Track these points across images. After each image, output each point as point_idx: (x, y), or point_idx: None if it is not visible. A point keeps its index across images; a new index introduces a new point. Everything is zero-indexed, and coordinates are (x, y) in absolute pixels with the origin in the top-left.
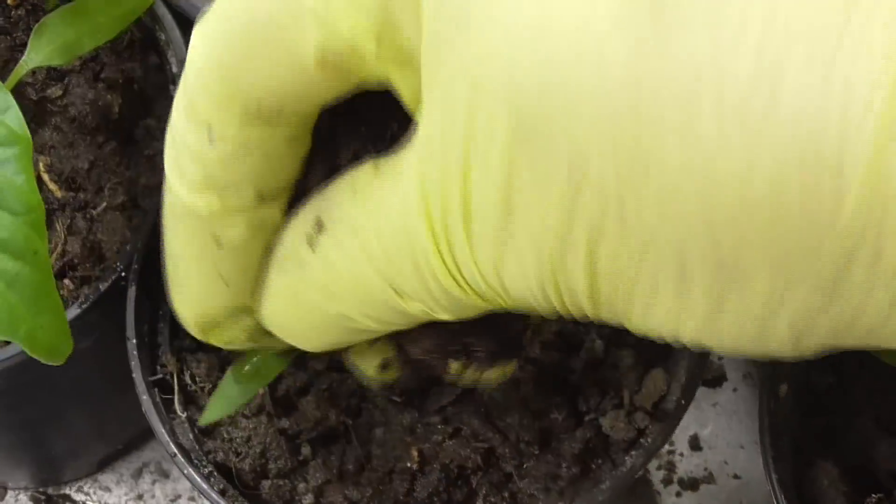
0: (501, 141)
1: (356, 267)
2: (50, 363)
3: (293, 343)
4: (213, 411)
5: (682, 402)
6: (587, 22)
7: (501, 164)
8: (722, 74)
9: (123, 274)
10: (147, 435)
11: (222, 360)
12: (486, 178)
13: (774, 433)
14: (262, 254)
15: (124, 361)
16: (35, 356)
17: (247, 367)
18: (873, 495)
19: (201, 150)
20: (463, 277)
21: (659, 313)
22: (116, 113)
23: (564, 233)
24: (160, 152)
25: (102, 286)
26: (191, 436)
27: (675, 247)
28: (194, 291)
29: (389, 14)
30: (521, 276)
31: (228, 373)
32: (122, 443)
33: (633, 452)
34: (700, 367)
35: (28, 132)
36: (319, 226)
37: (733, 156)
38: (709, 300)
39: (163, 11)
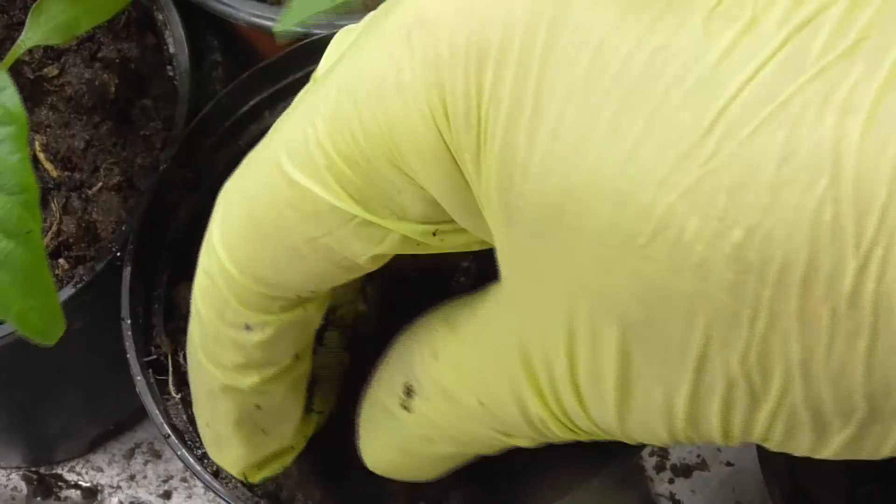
0: (613, 337)
1: (457, 423)
2: (41, 344)
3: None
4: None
5: None
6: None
7: (616, 355)
8: None
9: (119, 254)
10: (140, 415)
11: None
12: (598, 362)
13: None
14: (303, 397)
15: (118, 342)
16: (27, 336)
17: None
18: (867, 485)
19: (240, 339)
20: (576, 425)
21: (796, 446)
22: (113, 93)
23: (692, 408)
24: (156, 132)
25: (97, 266)
26: (185, 417)
27: (811, 405)
28: (237, 450)
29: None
30: (645, 430)
31: None
32: (114, 423)
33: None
34: None
35: (24, 111)
36: (409, 391)
37: None
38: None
39: None
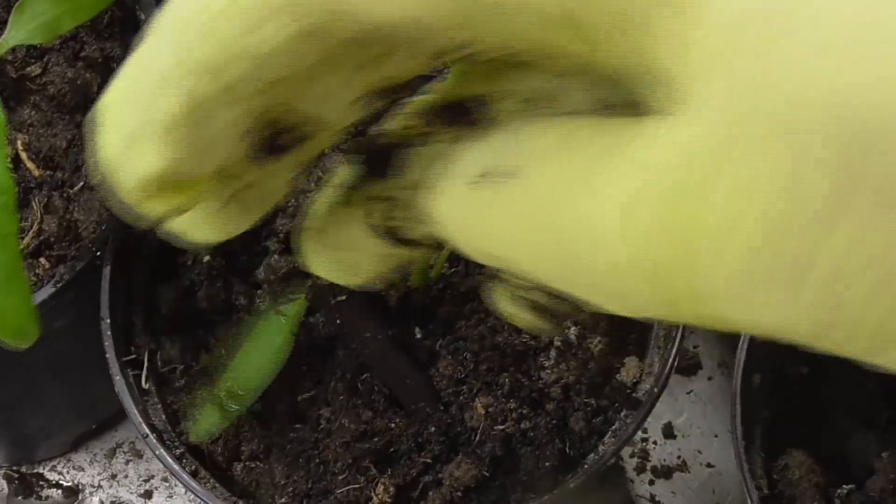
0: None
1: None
2: (17, 346)
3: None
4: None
5: (655, 389)
6: None
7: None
8: None
9: (98, 253)
10: (121, 415)
11: (197, 340)
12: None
13: (747, 422)
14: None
15: (99, 341)
16: (2, 338)
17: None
18: (844, 486)
19: None
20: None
21: None
22: (95, 92)
23: None
24: None
25: (78, 265)
26: (163, 416)
27: None
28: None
29: None
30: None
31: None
32: (95, 422)
33: (605, 439)
34: (674, 356)
35: (2, 114)
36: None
37: None
38: None
39: None
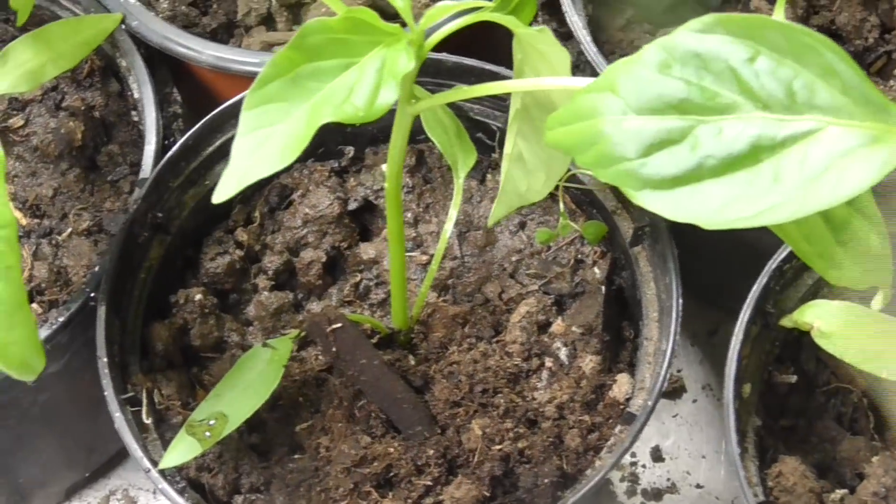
0: None
1: None
2: (23, 378)
3: None
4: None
5: (649, 402)
6: None
7: None
8: None
9: (93, 295)
10: (114, 462)
11: (192, 378)
12: None
13: (740, 431)
14: None
15: (92, 386)
16: (7, 371)
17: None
18: (837, 491)
19: None
20: None
21: None
22: (79, 140)
23: None
24: (123, 177)
25: (72, 307)
26: (163, 452)
27: None
28: None
29: None
30: None
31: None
32: (88, 470)
33: (601, 454)
34: (666, 370)
35: (2, 153)
36: None
37: None
38: None
39: (123, 37)
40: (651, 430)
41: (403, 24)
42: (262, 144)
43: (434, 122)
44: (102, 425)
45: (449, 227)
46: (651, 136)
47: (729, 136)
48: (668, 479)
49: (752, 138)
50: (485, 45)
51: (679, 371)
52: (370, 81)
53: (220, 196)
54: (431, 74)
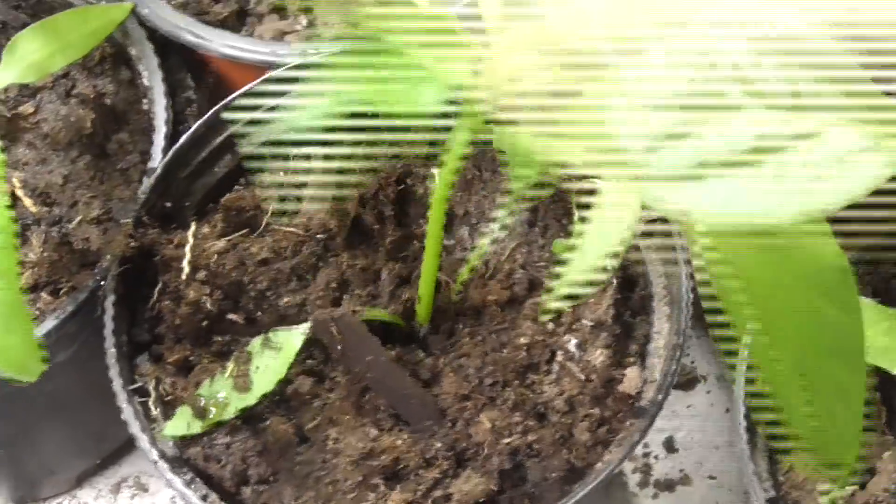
0: None
1: None
2: (21, 380)
3: None
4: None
5: (659, 397)
6: None
7: None
8: None
9: (102, 284)
10: (124, 450)
11: (202, 369)
12: None
13: (750, 426)
14: None
15: (101, 375)
16: (6, 373)
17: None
18: (848, 487)
19: None
20: None
21: None
22: (89, 128)
23: None
24: (133, 165)
25: (80, 297)
26: (171, 443)
27: None
28: None
29: None
30: None
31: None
32: (99, 457)
33: (611, 448)
34: (676, 363)
35: (2, 152)
36: None
37: None
38: None
39: (134, 26)
40: (664, 421)
41: None
42: None
43: None
44: (112, 413)
45: (489, 239)
46: (655, 132)
47: (732, 133)
48: (681, 471)
49: (756, 137)
50: None
51: (693, 362)
52: None
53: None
54: None
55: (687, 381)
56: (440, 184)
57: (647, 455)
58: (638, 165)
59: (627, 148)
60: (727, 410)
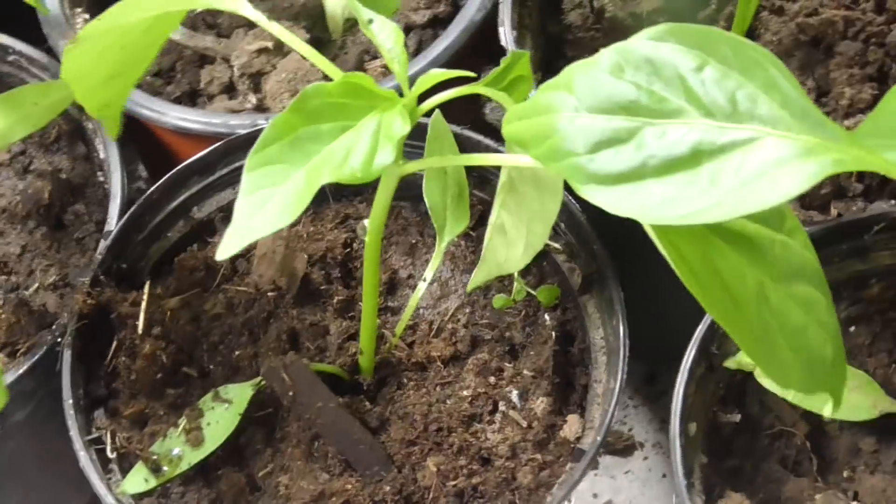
0: None
1: None
2: None
3: None
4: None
5: (598, 437)
6: None
7: None
8: None
9: (60, 340)
10: None
11: (156, 422)
12: None
13: (687, 469)
14: None
15: (55, 438)
16: None
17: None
18: None
19: None
20: None
21: None
22: (47, 199)
23: None
24: (89, 234)
25: (37, 354)
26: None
27: None
28: None
29: None
30: None
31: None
32: None
33: (553, 491)
34: (613, 407)
35: None
36: None
37: None
38: None
39: None
40: (604, 486)
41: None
42: (262, 204)
43: (435, 183)
44: (65, 481)
45: (422, 287)
46: (600, 133)
47: (672, 138)
48: None
49: (694, 142)
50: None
51: (630, 430)
52: (366, 144)
53: (222, 254)
54: (419, 138)
55: (625, 448)
56: (370, 226)
57: None
58: (581, 163)
59: (572, 147)
60: (664, 476)
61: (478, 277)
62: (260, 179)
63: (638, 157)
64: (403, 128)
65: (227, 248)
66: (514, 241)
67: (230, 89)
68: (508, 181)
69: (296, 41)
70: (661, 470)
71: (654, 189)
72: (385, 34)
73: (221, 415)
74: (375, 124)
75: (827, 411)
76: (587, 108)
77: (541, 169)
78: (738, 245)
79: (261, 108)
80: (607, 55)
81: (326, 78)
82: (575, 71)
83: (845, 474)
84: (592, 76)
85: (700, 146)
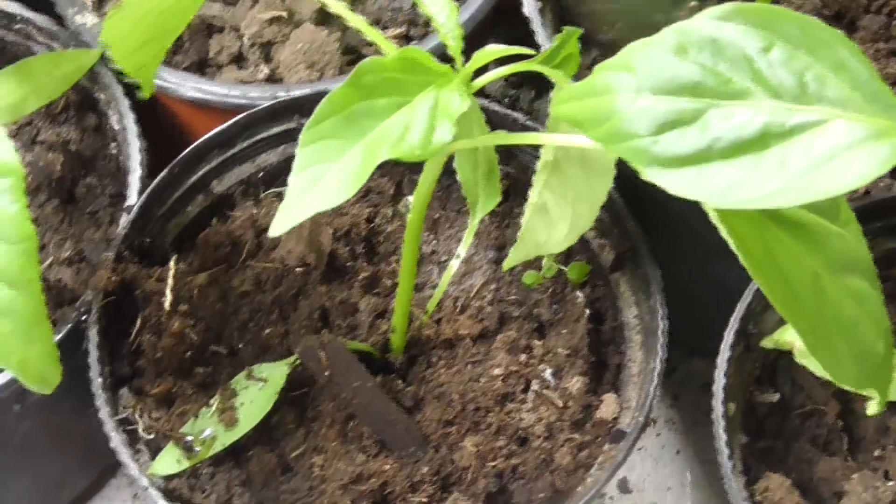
0: None
1: None
2: (40, 391)
3: None
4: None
5: (641, 418)
6: None
7: None
8: None
9: (85, 317)
10: (91, 491)
11: (184, 402)
12: None
13: (729, 447)
14: None
15: (69, 417)
16: (27, 385)
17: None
18: None
19: None
20: None
21: None
22: (59, 171)
23: None
24: (102, 208)
25: (62, 330)
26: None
27: None
28: None
29: None
30: None
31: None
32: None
33: (592, 471)
34: (655, 386)
35: (20, 163)
36: None
37: None
38: None
39: (103, 71)
40: None
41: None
42: (317, 180)
43: (466, 159)
44: (73, 460)
45: (455, 265)
46: (663, 115)
47: (739, 120)
48: None
49: (762, 125)
50: None
51: None
52: (424, 121)
53: (275, 230)
54: None
55: None
56: (414, 203)
57: (601, 496)
58: (644, 146)
59: (634, 128)
60: (678, 452)
61: (515, 257)
62: (314, 155)
63: (703, 140)
64: (462, 105)
65: (279, 224)
66: (556, 221)
67: (240, 59)
68: (553, 160)
69: (348, 13)
70: (674, 447)
71: (720, 172)
72: (438, 7)
73: (256, 394)
74: (433, 101)
75: (871, 411)
76: (649, 88)
77: (590, 149)
78: (796, 234)
79: (273, 79)
80: (669, 35)
81: (343, 50)
82: (635, 51)
83: (875, 453)
84: (654, 57)
85: (768, 128)
